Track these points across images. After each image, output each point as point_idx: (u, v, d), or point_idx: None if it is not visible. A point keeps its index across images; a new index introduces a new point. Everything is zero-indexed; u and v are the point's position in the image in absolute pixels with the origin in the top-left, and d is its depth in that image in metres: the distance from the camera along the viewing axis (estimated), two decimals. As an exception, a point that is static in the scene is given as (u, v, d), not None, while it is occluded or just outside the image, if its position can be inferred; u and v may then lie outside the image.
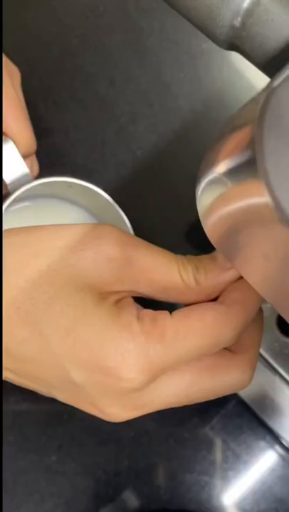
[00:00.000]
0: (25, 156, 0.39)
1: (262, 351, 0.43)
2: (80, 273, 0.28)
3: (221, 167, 0.23)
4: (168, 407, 0.29)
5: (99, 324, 0.27)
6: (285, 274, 0.22)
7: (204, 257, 0.29)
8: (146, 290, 0.29)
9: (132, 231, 0.39)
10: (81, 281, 0.28)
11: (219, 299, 0.29)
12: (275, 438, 0.44)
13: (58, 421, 0.43)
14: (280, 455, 0.44)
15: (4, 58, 0.39)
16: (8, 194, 0.38)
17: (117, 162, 0.48)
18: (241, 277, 0.28)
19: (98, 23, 0.51)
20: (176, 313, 0.28)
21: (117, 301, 0.28)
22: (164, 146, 0.49)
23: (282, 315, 0.24)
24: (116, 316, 0.27)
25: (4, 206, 0.37)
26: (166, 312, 0.28)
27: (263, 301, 0.28)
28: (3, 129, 0.37)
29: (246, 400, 0.43)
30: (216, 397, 0.29)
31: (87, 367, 0.27)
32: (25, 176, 0.38)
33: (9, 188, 0.38)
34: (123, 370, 0.26)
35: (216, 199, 0.23)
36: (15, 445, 0.43)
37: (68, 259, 0.28)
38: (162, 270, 0.28)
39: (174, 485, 0.43)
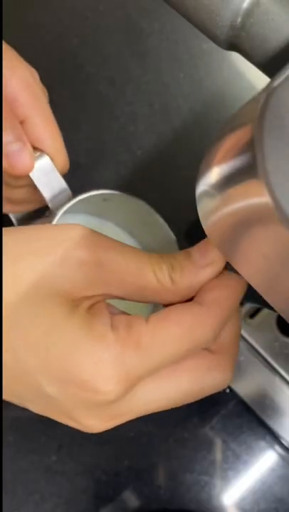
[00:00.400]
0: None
1: (262, 351, 0.43)
2: (48, 280, 0.26)
3: (221, 167, 0.23)
4: (149, 413, 0.28)
5: (71, 336, 0.25)
6: (285, 273, 0.22)
7: (179, 255, 0.28)
8: (120, 292, 0.27)
9: (177, 247, 0.37)
10: (50, 288, 0.26)
11: (196, 299, 0.27)
12: (275, 438, 0.44)
13: (58, 421, 0.43)
14: (280, 455, 0.44)
15: (37, 77, 0.39)
16: (48, 210, 0.37)
17: (117, 162, 0.48)
18: (218, 275, 0.27)
19: (98, 23, 0.51)
20: (152, 317, 0.26)
21: (90, 307, 0.27)
22: (164, 146, 0.49)
23: (282, 315, 0.24)
24: (89, 326, 0.26)
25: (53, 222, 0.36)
26: (141, 317, 0.27)
27: (240, 299, 0.28)
28: (39, 146, 0.37)
29: (246, 399, 0.43)
30: (198, 398, 0.28)
31: (61, 380, 0.26)
32: (64, 191, 0.37)
33: (50, 205, 0.37)
34: (99, 382, 0.25)
35: (216, 199, 0.23)
36: (15, 445, 0.43)
37: (35, 265, 0.26)
38: (135, 271, 0.27)
39: (174, 485, 0.43)
